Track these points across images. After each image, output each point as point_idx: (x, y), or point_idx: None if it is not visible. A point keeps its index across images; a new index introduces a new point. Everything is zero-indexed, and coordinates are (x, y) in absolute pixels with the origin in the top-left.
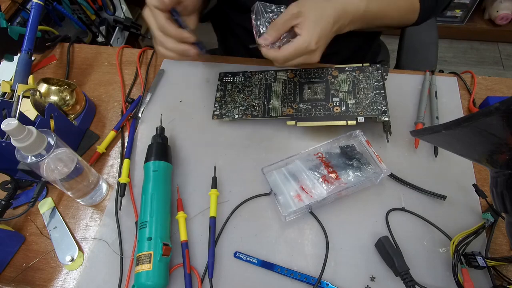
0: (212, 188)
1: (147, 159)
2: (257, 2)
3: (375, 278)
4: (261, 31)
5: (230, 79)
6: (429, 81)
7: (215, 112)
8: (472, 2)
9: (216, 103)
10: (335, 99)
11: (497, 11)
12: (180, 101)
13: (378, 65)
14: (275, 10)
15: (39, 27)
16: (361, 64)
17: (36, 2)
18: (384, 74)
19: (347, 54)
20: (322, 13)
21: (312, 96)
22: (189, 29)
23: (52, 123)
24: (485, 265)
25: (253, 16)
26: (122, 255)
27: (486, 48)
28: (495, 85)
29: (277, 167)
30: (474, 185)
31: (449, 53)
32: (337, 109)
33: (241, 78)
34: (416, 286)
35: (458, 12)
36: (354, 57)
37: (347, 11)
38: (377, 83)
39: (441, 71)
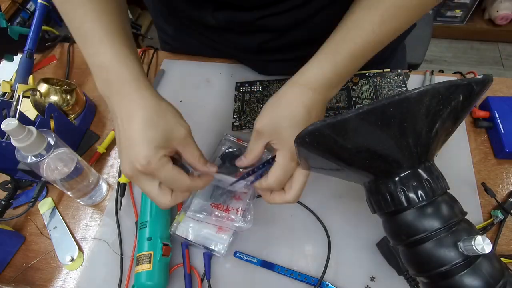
0: None
1: None
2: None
3: (375, 278)
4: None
5: (248, 88)
6: (429, 81)
7: (235, 124)
8: (472, 2)
9: (235, 113)
10: (358, 107)
11: (497, 11)
12: (180, 101)
13: (399, 70)
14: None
15: None
16: (381, 70)
17: (40, 3)
18: (405, 79)
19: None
20: (291, 115)
21: (334, 104)
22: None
23: (52, 123)
24: None
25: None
26: (122, 255)
27: (486, 48)
28: (495, 85)
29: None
30: (482, 184)
31: (449, 53)
32: None
33: (259, 88)
34: (419, 285)
35: (458, 12)
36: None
37: (314, 90)
38: (399, 89)
39: (441, 71)
